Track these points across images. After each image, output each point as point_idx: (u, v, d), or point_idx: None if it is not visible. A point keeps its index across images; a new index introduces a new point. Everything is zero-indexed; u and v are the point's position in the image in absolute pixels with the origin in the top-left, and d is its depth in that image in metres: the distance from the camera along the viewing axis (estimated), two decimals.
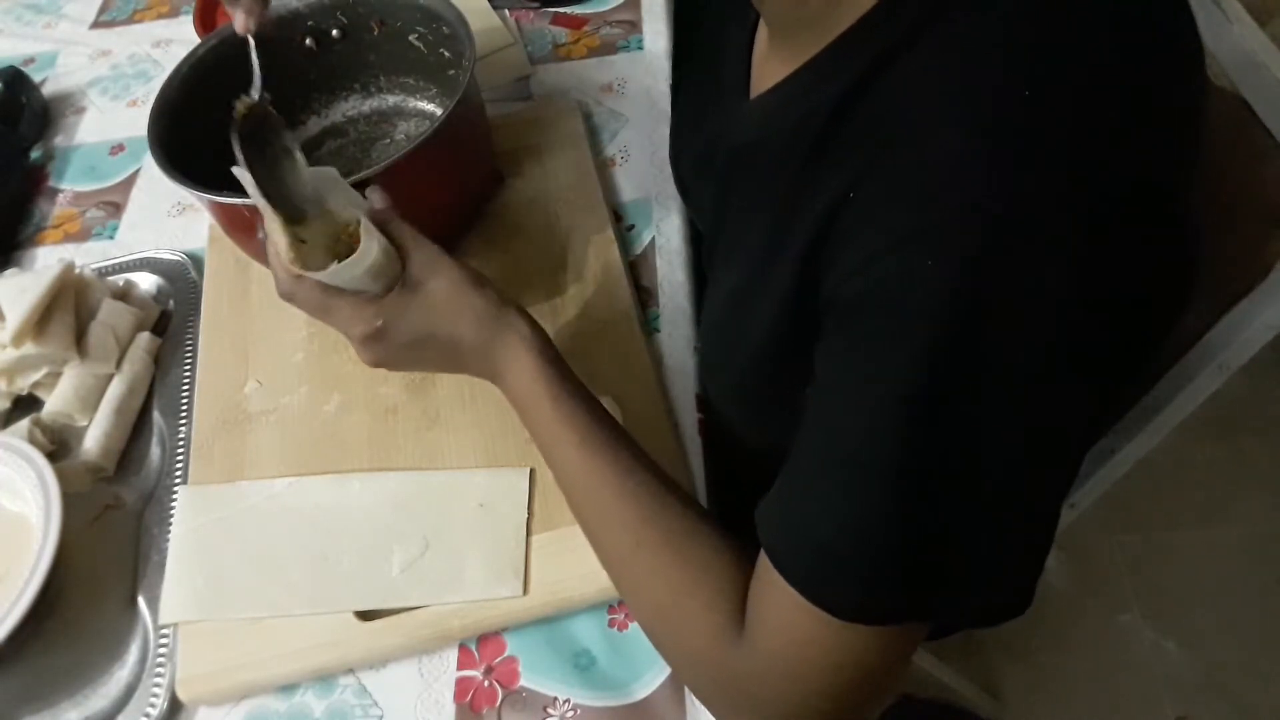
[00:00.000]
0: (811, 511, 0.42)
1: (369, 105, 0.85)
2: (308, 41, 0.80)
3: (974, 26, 0.37)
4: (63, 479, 0.63)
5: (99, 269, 0.80)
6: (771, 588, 0.44)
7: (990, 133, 0.36)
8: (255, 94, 0.60)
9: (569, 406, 0.54)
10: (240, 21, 0.57)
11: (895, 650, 0.43)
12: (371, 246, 0.52)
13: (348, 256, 0.53)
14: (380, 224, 0.54)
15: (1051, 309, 0.36)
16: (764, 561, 0.45)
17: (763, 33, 0.55)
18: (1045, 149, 0.35)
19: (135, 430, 0.71)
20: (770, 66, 0.51)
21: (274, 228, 0.53)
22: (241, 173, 0.53)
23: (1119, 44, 0.37)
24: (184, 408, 0.71)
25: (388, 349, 0.55)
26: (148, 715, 0.57)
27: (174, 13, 1.09)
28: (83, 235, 0.87)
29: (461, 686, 0.57)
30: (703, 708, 0.54)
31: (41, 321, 0.70)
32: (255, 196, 0.53)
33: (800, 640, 0.43)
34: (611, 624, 0.59)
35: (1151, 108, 0.38)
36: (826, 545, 0.41)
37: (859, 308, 0.39)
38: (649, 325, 0.71)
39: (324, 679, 0.58)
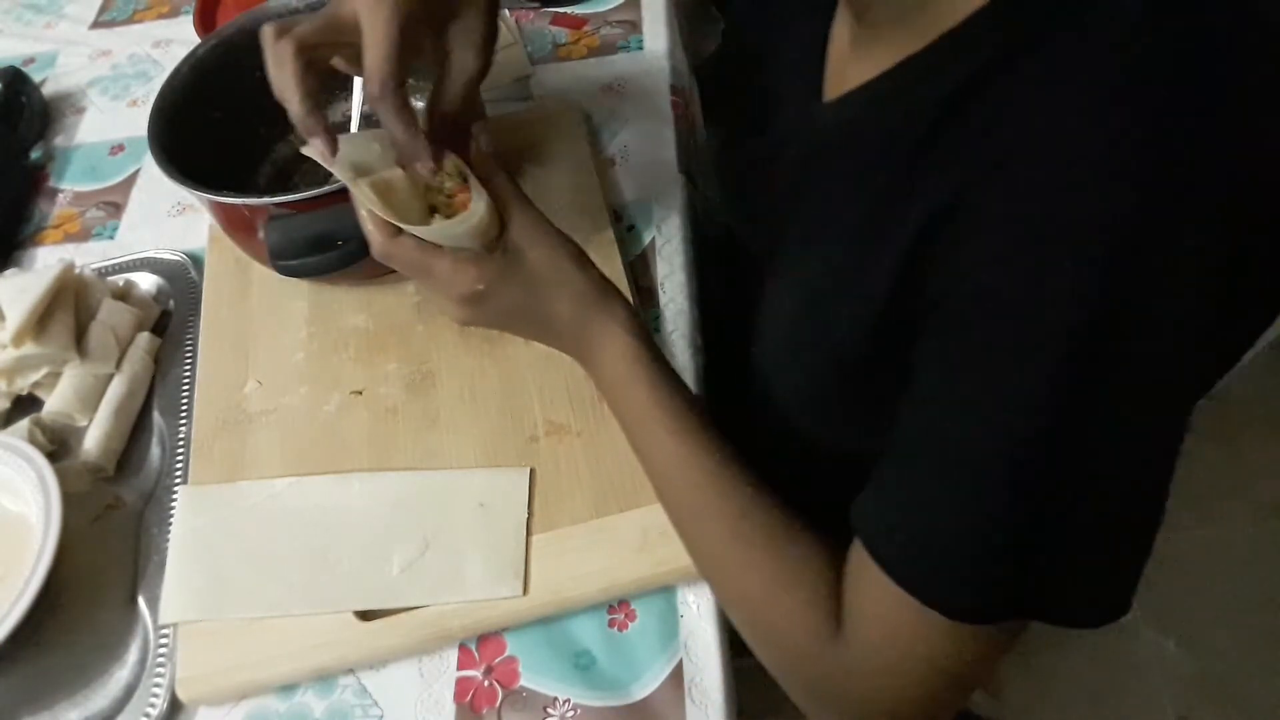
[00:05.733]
0: (924, 514, 0.43)
1: (369, 105, 0.85)
2: None
3: (1105, 30, 0.36)
4: (63, 479, 0.62)
5: (99, 269, 0.80)
6: (873, 586, 0.44)
7: (1124, 139, 0.35)
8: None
9: (665, 393, 0.54)
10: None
11: (993, 648, 0.44)
12: (480, 205, 0.50)
13: (444, 204, 0.51)
14: (482, 176, 0.53)
15: (1181, 318, 0.36)
16: (860, 560, 0.45)
17: (842, 33, 0.53)
18: (1181, 157, 0.35)
19: (135, 430, 0.71)
20: (856, 66, 0.49)
21: (359, 188, 0.50)
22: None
23: (1258, 47, 0.37)
24: (184, 408, 0.71)
25: (484, 313, 0.55)
26: (148, 715, 0.57)
27: (174, 13, 1.09)
28: (83, 235, 0.87)
29: (461, 686, 0.57)
30: (702, 707, 0.54)
31: (41, 321, 0.70)
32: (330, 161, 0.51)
33: (904, 638, 0.44)
34: (611, 624, 0.59)
35: None
36: (941, 548, 0.42)
37: (979, 311, 0.39)
38: (649, 325, 0.71)
39: (324, 679, 0.58)
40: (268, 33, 0.49)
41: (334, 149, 0.50)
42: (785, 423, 0.59)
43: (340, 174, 0.50)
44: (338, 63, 0.52)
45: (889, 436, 0.45)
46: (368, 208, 0.51)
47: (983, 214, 0.38)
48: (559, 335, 0.57)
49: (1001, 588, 0.41)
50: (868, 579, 0.44)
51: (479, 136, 0.55)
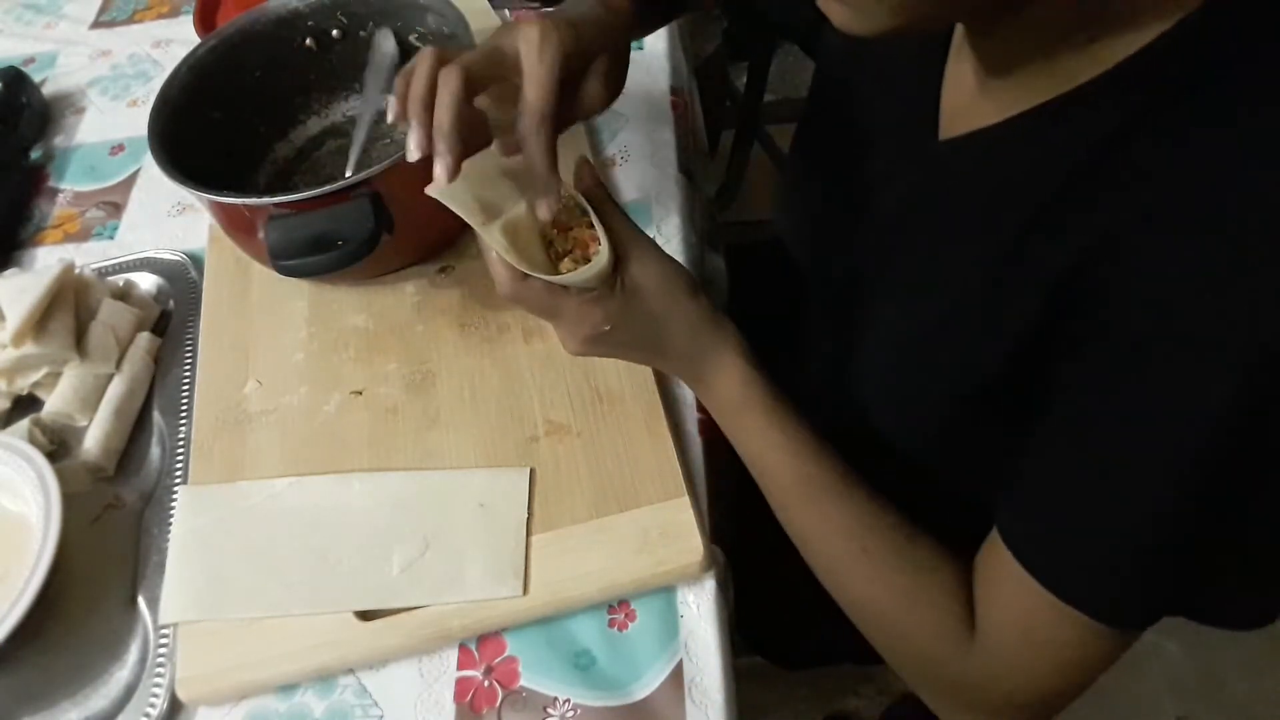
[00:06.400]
0: (1082, 522, 0.43)
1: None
2: (308, 41, 0.80)
3: (1255, 87, 0.37)
4: (63, 479, 0.62)
5: (99, 269, 0.80)
6: (1015, 590, 0.45)
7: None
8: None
9: (780, 415, 0.56)
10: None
11: (1125, 645, 0.46)
12: (604, 251, 0.52)
13: (559, 238, 0.53)
14: (599, 211, 0.54)
15: None
16: (997, 565, 0.47)
17: (962, 74, 0.52)
18: None
19: (135, 430, 0.71)
20: (980, 107, 0.49)
21: (489, 233, 0.51)
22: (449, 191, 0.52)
23: None
24: (184, 408, 0.71)
25: (604, 346, 0.57)
26: (148, 715, 0.57)
27: (174, 13, 1.09)
28: (83, 235, 0.87)
29: (461, 686, 0.57)
30: (702, 708, 0.54)
31: (41, 321, 0.70)
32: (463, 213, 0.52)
33: (1045, 640, 0.45)
34: (611, 624, 0.59)
35: None
36: (1100, 556, 0.43)
37: (1152, 340, 0.39)
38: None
39: (324, 679, 0.58)
40: (428, 55, 0.51)
41: (456, 175, 0.52)
42: (874, 446, 0.59)
43: (471, 220, 0.51)
44: (480, 99, 0.53)
45: (1029, 451, 0.46)
46: (497, 252, 0.52)
47: (1156, 248, 0.38)
48: (673, 361, 0.58)
49: (1157, 593, 0.43)
50: (1009, 584, 0.46)
51: (584, 169, 0.56)
